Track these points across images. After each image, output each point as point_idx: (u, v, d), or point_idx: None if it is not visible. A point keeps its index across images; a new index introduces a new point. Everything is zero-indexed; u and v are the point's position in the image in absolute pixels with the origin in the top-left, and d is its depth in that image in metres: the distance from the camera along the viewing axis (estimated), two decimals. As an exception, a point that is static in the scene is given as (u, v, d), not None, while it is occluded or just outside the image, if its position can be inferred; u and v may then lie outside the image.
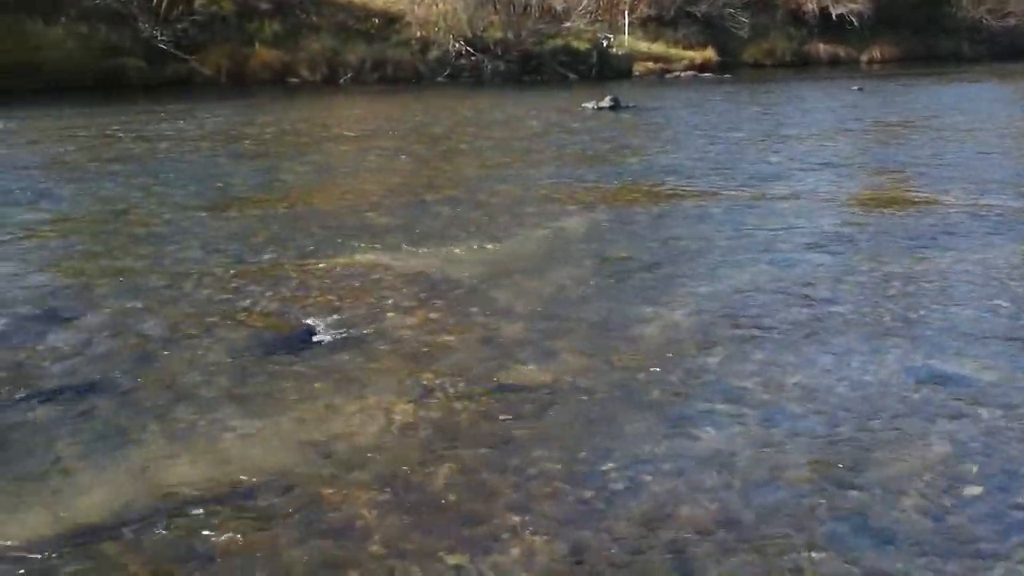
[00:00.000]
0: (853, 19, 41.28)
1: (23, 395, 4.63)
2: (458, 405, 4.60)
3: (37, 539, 3.40)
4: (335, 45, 28.46)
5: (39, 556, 3.30)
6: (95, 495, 3.71)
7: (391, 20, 30.25)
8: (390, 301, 6.19)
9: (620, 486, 3.82)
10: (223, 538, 3.41)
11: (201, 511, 3.58)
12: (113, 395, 4.65)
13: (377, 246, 7.67)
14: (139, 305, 6.04)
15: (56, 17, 24.87)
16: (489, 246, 7.73)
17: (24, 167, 11.86)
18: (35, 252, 7.51)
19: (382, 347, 5.36)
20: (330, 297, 6.23)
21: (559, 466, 3.98)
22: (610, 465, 3.99)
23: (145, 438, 4.20)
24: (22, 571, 3.21)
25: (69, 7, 25.24)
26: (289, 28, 28.75)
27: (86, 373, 4.92)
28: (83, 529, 3.47)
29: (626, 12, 34.74)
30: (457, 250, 7.55)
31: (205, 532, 3.45)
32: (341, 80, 27.62)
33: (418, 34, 29.51)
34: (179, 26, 26.20)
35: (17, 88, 22.45)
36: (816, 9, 41.15)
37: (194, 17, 26.73)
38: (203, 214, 8.99)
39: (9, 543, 3.37)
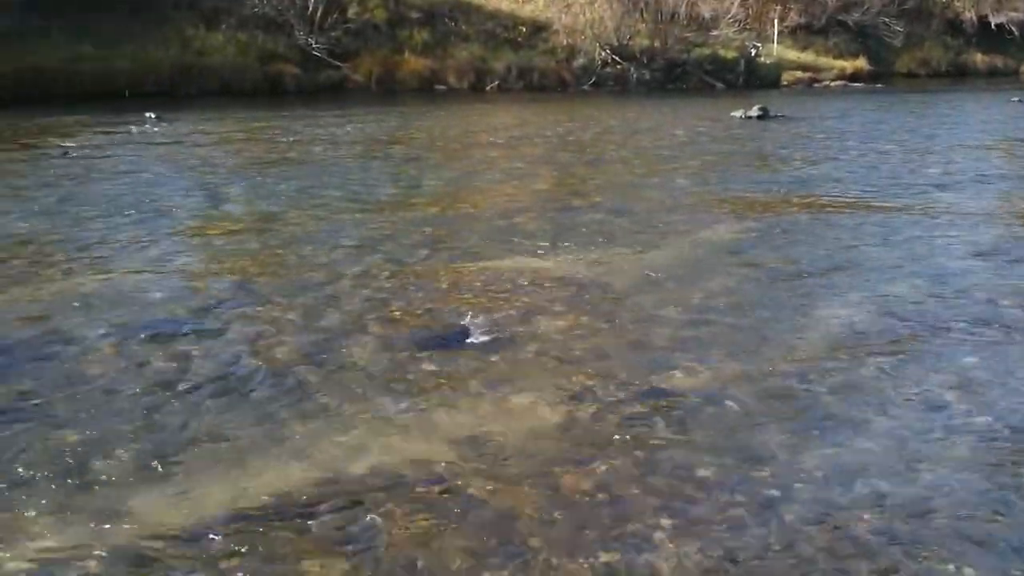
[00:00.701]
0: (1013, 28, 39.87)
1: (191, 385, 4.84)
2: (609, 408, 4.63)
3: (213, 518, 3.57)
4: (482, 53, 28.85)
5: (215, 533, 3.46)
6: (264, 479, 3.87)
7: (538, 28, 30.51)
8: (540, 304, 6.27)
9: (774, 493, 3.80)
10: (384, 525, 3.52)
11: (363, 498, 3.71)
12: (276, 388, 4.82)
13: (526, 250, 7.77)
14: (299, 302, 6.25)
15: (218, 24, 25.84)
16: (637, 253, 7.75)
17: (188, 168, 12.38)
18: (201, 250, 7.85)
19: (533, 349, 5.43)
20: (481, 299, 6.34)
21: (711, 471, 3.99)
22: (763, 472, 3.98)
23: (308, 428, 4.36)
24: (200, 546, 3.38)
25: (230, 15, 26.20)
26: (438, 36, 29.27)
27: (250, 366, 5.12)
28: (255, 510, 3.63)
29: (776, 20, 34.23)
30: (605, 256, 7.59)
31: (367, 518, 3.57)
32: (487, 88, 27.97)
33: (565, 42, 29.67)
34: (333, 34, 26.92)
35: (181, 92, 23.43)
36: (974, 18, 39.90)
37: (347, 25, 27.42)
38: (358, 216, 9.24)
39: (189, 521, 3.55)
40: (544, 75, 28.72)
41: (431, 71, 28.10)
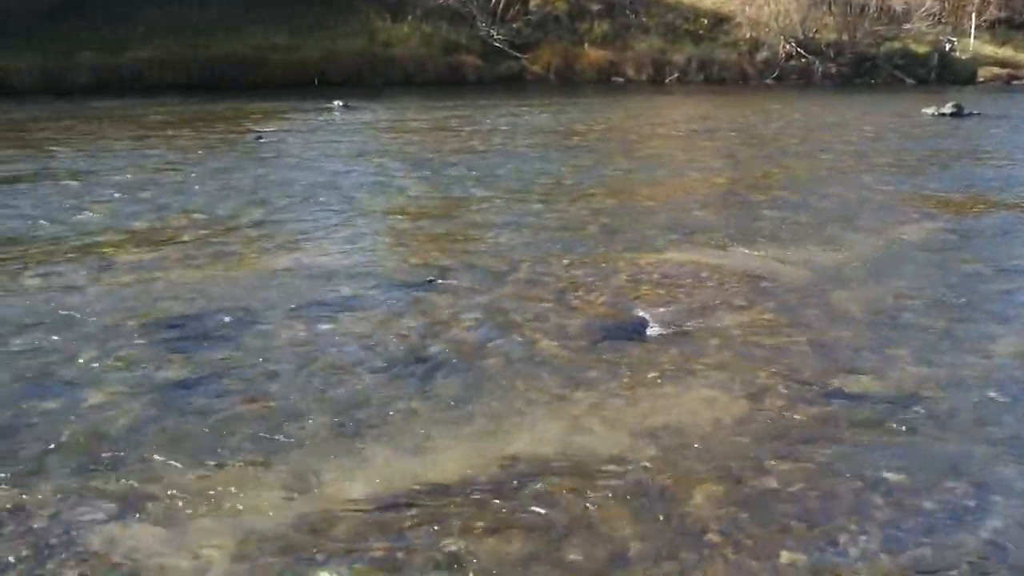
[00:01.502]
0: None
1: (377, 362, 4.97)
2: (791, 407, 4.52)
3: (397, 490, 3.65)
4: (662, 45, 28.62)
5: (398, 505, 3.54)
6: (447, 457, 3.94)
7: (720, 20, 30.12)
8: (720, 299, 6.18)
9: (968, 503, 3.65)
10: (561, 511, 3.53)
11: (542, 483, 3.73)
12: (458, 370, 4.90)
13: (705, 244, 7.67)
14: (479, 287, 6.33)
15: (404, 15, 26.42)
16: (821, 250, 7.54)
17: (374, 154, 12.71)
18: (386, 234, 8.05)
19: (713, 343, 5.35)
20: (660, 291, 6.29)
21: (900, 476, 3.85)
22: (956, 480, 3.82)
23: (489, 410, 4.41)
24: (384, 516, 3.46)
25: (415, 7, 26.75)
26: (618, 28, 29.21)
27: (433, 348, 5.22)
28: (437, 486, 3.69)
29: (973, 14, 32.80)
30: (788, 252, 7.42)
31: (545, 503, 3.58)
32: (666, 80, 27.75)
33: (748, 35, 29.17)
34: (514, 25, 27.18)
35: (367, 81, 24.06)
36: None
37: (528, 17, 27.66)
38: (536, 205, 9.30)
39: (374, 491, 3.64)
40: (725, 68, 28.32)
41: (610, 63, 28.07)
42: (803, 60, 29.20)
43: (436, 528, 3.39)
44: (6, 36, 22.12)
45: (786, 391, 4.69)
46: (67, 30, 23.01)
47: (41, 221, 8.24)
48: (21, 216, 8.40)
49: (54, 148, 12.73)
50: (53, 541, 3.25)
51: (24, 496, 3.54)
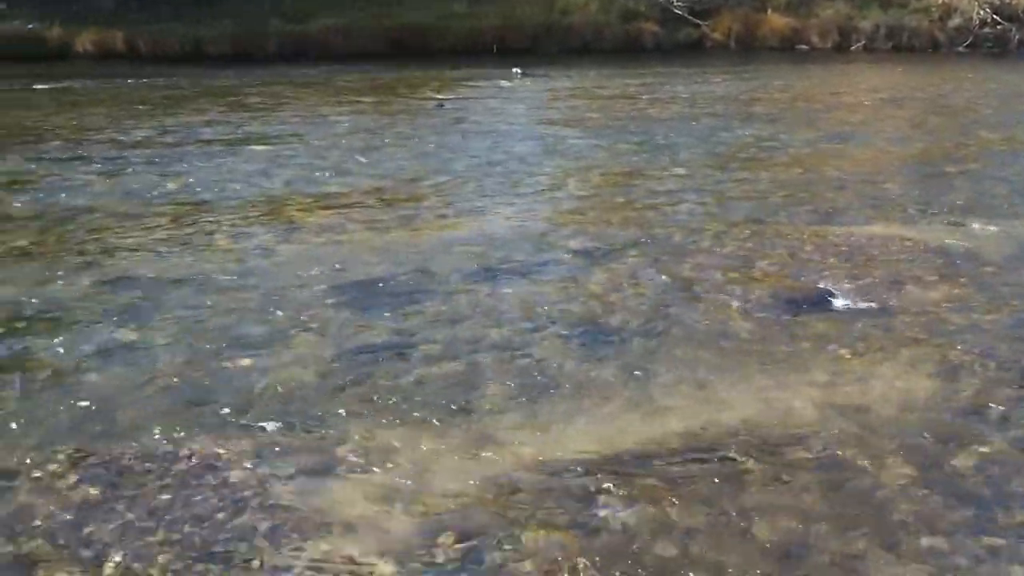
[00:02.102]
0: None
1: (554, 328, 4.99)
2: (987, 387, 4.34)
3: (575, 457, 3.66)
4: (848, 11, 27.62)
5: (577, 471, 3.55)
6: (626, 426, 3.94)
7: (912, -15, 28.86)
8: (910, 273, 5.96)
9: None
10: (746, 484, 3.48)
11: (725, 455, 3.68)
12: (639, 338, 4.88)
13: (894, 217, 7.42)
14: (659, 256, 6.28)
15: (582, -18, 26.30)
16: (1020, 223, 7.19)
17: (553, 122, 12.74)
18: (564, 201, 8.07)
19: (904, 319, 5.17)
20: (847, 264, 6.11)
21: (1108, 463, 3.65)
22: None
23: (670, 380, 4.38)
24: (563, 482, 3.48)
25: (593, -28, 26.57)
26: (804, -6, 28.33)
27: (612, 315, 5.21)
28: (617, 454, 3.69)
29: None
30: (982, 226, 7.10)
31: (728, 475, 3.54)
32: (852, 47, 26.78)
33: (940, 0, 27.88)
34: (695, -8, 26.70)
35: (543, 49, 24.08)
36: None
37: (710, -18, 27.12)
38: (717, 173, 9.16)
39: (553, 456, 3.66)
40: (915, 35, 27.11)
41: (793, 30, 27.24)
42: (998, 27, 27.69)
43: (620, 496, 3.38)
44: (199, 5, 23.04)
45: (981, 370, 4.50)
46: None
47: (232, 184, 8.57)
48: (214, 180, 8.75)
49: (243, 114, 13.21)
50: (247, 494, 3.38)
51: (219, 449, 3.69)
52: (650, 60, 22.77)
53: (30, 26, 21.18)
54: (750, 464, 3.62)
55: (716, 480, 3.51)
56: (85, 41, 21.63)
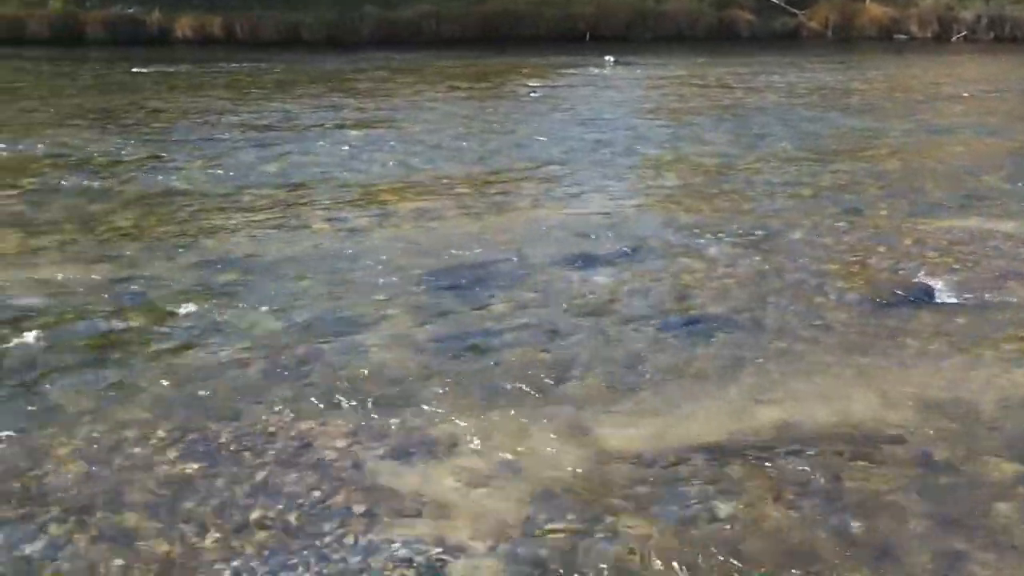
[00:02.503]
0: None
1: (648, 316, 4.97)
2: (1094, 387, 4.21)
3: (668, 449, 3.64)
4: (949, 1, 26.97)
5: (673, 462, 3.53)
6: (721, 416, 3.90)
7: (1015, -26, 28.04)
8: (1012, 269, 5.81)
9: None
10: (842, 479, 3.42)
11: (821, 449, 3.62)
12: (733, 329, 4.83)
13: (996, 211, 7.24)
14: (754, 247, 6.21)
15: (676, -30, 26.04)
16: None
17: (646, 111, 12.68)
18: (658, 191, 8.03)
19: (1005, 316, 5.05)
20: (947, 258, 5.97)
21: None
22: None
23: (765, 372, 4.33)
24: (659, 473, 3.46)
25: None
26: (905, -18, 27.72)
27: (705, 305, 5.16)
28: (709, 446, 3.66)
29: None
30: (1088, 223, 6.89)
31: (824, 470, 3.47)
32: (953, 38, 26.14)
33: (1046, -10, 27.06)
34: (791, -20, 26.30)
35: (636, 37, 23.94)
36: None
37: (806, -29, 26.67)
38: (813, 164, 9.02)
39: (648, 447, 3.64)
40: (1018, 26, 26.34)
41: (892, 19, 26.69)
42: (1109, 16, 26.85)
43: (711, 489, 3.35)
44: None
45: (1088, 369, 4.38)
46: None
47: (328, 168, 8.67)
48: (311, 163, 8.87)
49: (338, 99, 13.36)
50: (343, 473, 3.43)
51: (315, 428, 3.74)
52: (745, 49, 22.49)
53: (131, 10, 21.64)
54: (847, 459, 3.56)
55: (811, 475, 3.45)
56: (184, 26, 22.05)
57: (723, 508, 3.23)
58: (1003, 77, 17.70)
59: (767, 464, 3.54)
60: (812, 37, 25.64)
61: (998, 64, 20.65)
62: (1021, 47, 24.49)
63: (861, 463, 3.55)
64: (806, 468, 3.50)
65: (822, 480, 3.41)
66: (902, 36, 26.26)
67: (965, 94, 14.89)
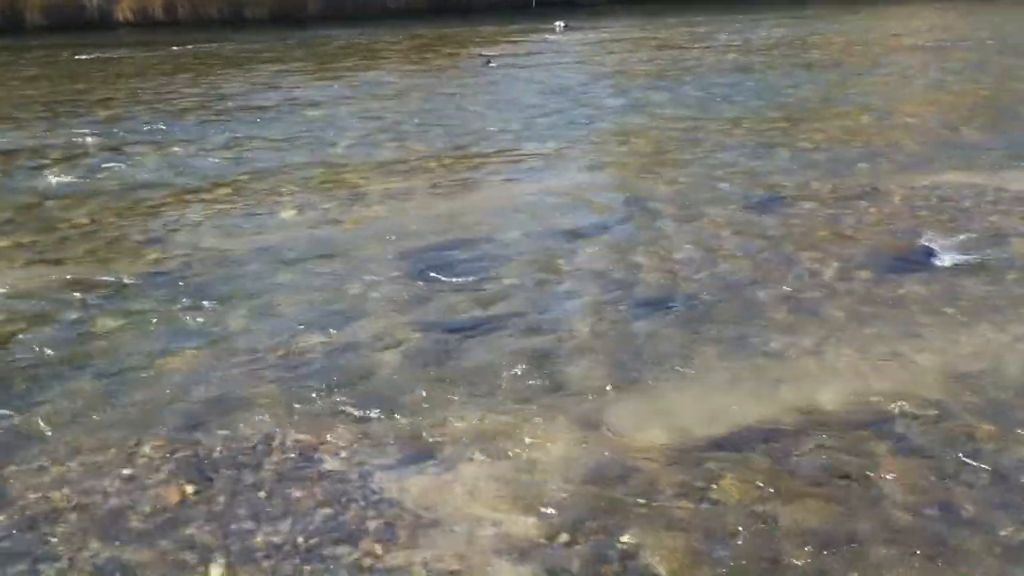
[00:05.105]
0: None
1: (644, 299, 4.75)
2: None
3: (687, 440, 3.42)
4: (899, -51, 26.90)
5: (695, 454, 3.31)
6: (733, 404, 3.68)
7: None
8: (1010, 225, 5.67)
9: None
10: (875, 463, 3.23)
11: (846, 433, 3.43)
12: (733, 306, 4.62)
13: (980, 165, 7.11)
14: (740, 217, 6.02)
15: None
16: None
17: (605, 76, 12.44)
18: (628, 157, 7.83)
19: (1011, 276, 4.89)
20: (941, 217, 5.82)
21: None
22: None
23: (773, 351, 4.12)
24: (682, 466, 3.24)
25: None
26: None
27: (700, 283, 4.94)
28: (729, 436, 3.45)
29: None
30: (1076, 172, 6.77)
31: (856, 454, 3.29)
32: (905, -13, 26.07)
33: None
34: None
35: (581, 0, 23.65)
36: None
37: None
38: (784, 124, 8.87)
39: (666, 439, 3.42)
40: (969, -27, 26.34)
41: (845, -31, 26.58)
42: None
43: (740, 485, 3.14)
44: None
45: (1107, 331, 4.22)
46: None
47: (289, 151, 8.37)
48: (271, 147, 8.56)
49: (291, 78, 13.00)
50: (349, 487, 3.18)
51: (312, 438, 3.49)
52: (694, 5, 22.27)
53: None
54: (872, 440, 3.38)
55: (837, 459, 3.27)
56: (125, 8, 21.48)
57: (760, 508, 3.01)
58: (958, 25, 17.66)
59: (791, 449, 3.35)
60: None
61: (951, 12, 20.63)
62: (971, -5, 24.49)
63: (888, 443, 3.36)
64: (831, 452, 3.31)
65: (850, 465, 3.23)
66: (853, -13, 26.14)
67: (925, 45, 14.81)
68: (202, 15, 21.75)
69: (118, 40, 18.56)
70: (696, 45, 15.06)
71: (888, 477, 3.16)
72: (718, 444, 3.41)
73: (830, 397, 3.70)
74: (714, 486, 3.15)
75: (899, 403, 3.63)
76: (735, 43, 15.22)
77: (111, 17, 21.32)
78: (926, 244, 5.31)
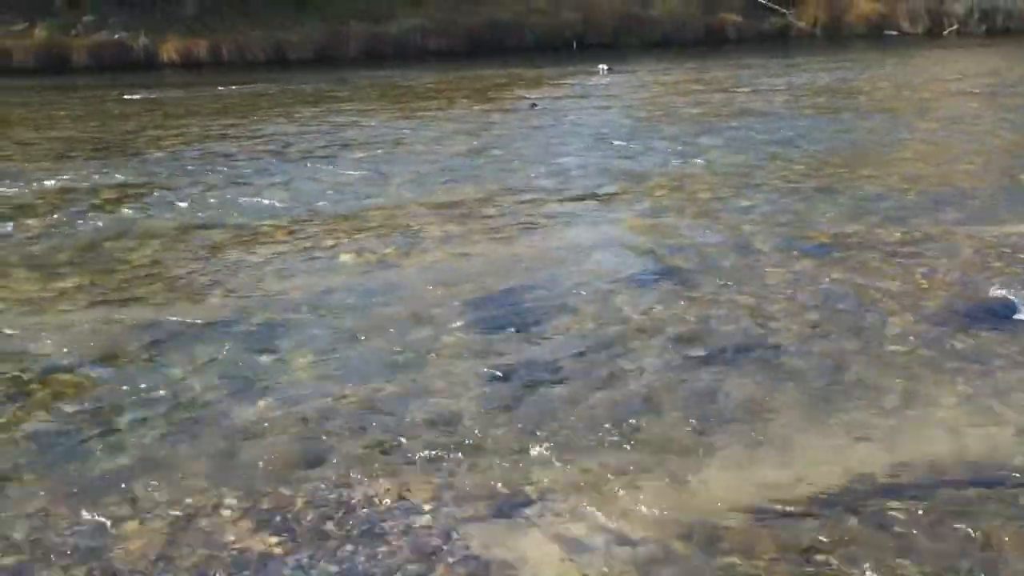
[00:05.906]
0: None
1: (718, 348, 4.65)
2: None
3: (773, 499, 3.31)
4: (940, -5, 26.92)
5: (779, 517, 3.19)
6: (817, 460, 3.56)
7: (1005, -34, 27.97)
8: (1086, 275, 5.54)
9: None
10: (969, 522, 3.10)
11: (943, 491, 3.30)
12: (808, 357, 4.51)
13: (1047, 213, 6.97)
14: (806, 265, 5.92)
15: (663, -25, 25.91)
16: None
17: (651, 119, 12.40)
18: (685, 203, 7.74)
19: (1095, 329, 4.76)
20: (1015, 268, 5.69)
21: None
22: None
23: (852, 405, 4.01)
24: (776, 528, 3.11)
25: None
26: (890, -22, 27.63)
27: (772, 332, 4.85)
28: (817, 496, 3.32)
29: None
30: None
31: (949, 513, 3.15)
32: (944, 32, 26.04)
33: (1035, -20, 26.99)
34: (778, -21, 26.17)
35: (623, 43, 23.74)
36: None
37: (794, -31, 26.56)
38: (842, 170, 8.76)
39: (754, 499, 3.31)
40: (1011, 17, 26.28)
41: (881, 15, 26.65)
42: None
43: (831, 542, 3.02)
44: (279, 4, 23.03)
45: None
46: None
47: (341, 193, 8.37)
48: (322, 189, 8.56)
49: (337, 119, 13.06)
50: (434, 543, 3.09)
51: (394, 491, 3.40)
52: (735, 51, 22.39)
53: (116, 36, 21.29)
54: (964, 500, 3.25)
55: (931, 520, 3.13)
56: (170, 49, 21.71)
57: (844, 567, 2.90)
58: (1005, 71, 17.52)
59: (880, 509, 3.21)
60: (801, 36, 25.49)
61: (995, 57, 20.50)
62: (1014, 40, 24.36)
63: (981, 505, 3.22)
64: (924, 513, 3.17)
65: (944, 526, 3.09)
66: (892, 32, 26.14)
67: (973, 90, 14.68)
68: (246, 55, 21.96)
69: (164, 80, 18.75)
70: (741, 89, 15.02)
71: (974, 535, 3.04)
72: (806, 501, 3.29)
73: (921, 456, 3.58)
74: (805, 547, 3.03)
75: (997, 465, 3.50)
76: (780, 87, 15.17)
77: (156, 58, 21.55)
78: (1005, 295, 5.19)
